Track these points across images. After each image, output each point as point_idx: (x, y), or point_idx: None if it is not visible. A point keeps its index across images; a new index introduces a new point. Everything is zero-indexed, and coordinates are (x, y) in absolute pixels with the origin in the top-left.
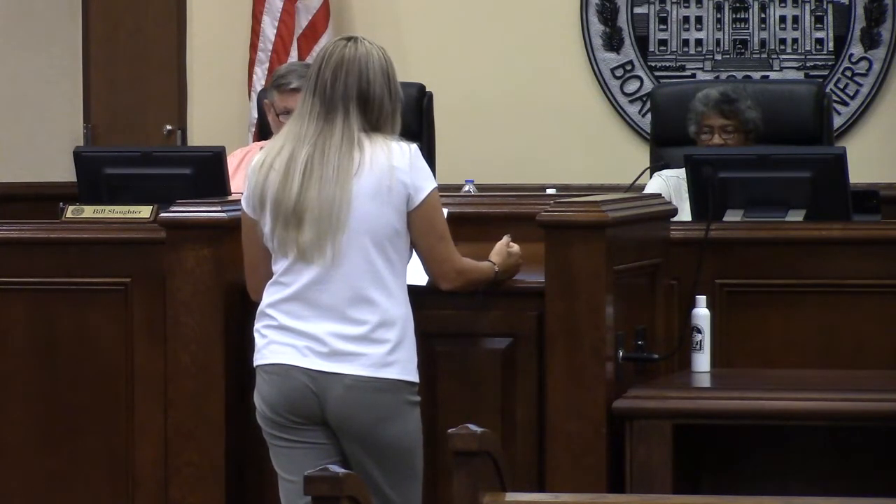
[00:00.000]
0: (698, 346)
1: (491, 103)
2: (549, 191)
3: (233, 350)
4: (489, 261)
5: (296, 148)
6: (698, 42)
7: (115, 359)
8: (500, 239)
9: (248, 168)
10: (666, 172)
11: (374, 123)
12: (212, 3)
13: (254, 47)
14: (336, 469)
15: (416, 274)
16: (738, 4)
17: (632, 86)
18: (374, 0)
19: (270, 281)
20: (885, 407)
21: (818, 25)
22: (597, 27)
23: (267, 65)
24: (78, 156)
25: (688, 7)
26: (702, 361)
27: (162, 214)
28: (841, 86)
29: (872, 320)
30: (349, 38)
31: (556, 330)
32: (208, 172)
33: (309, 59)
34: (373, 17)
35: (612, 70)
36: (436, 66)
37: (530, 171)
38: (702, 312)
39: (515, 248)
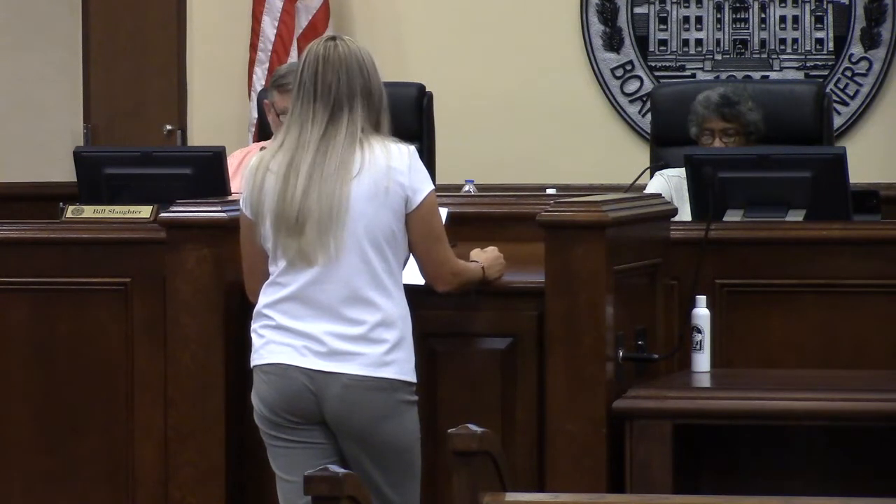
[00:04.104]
0: (698, 346)
1: (491, 103)
2: (549, 191)
3: (233, 350)
4: (474, 261)
5: (296, 155)
6: (698, 42)
7: (115, 359)
8: (498, 241)
9: (245, 169)
10: (667, 172)
11: (375, 118)
12: (212, 3)
13: (254, 47)
14: (336, 469)
15: (416, 274)
16: (738, 4)
17: (632, 86)
18: (373, 0)
19: (268, 282)
20: (885, 407)
21: (818, 25)
22: (597, 27)
23: (267, 65)
24: (78, 156)
25: (688, 7)
26: (702, 361)
27: (162, 214)
28: (841, 86)
29: (872, 320)
30: (332, 38)
31: (556, 330)
32: (208, 172)
33: None
34: (373, 17)
35: (612, 70)
36: (436, 66)
37: (530, 171)
38: (702, 312)
39: (490, 248)
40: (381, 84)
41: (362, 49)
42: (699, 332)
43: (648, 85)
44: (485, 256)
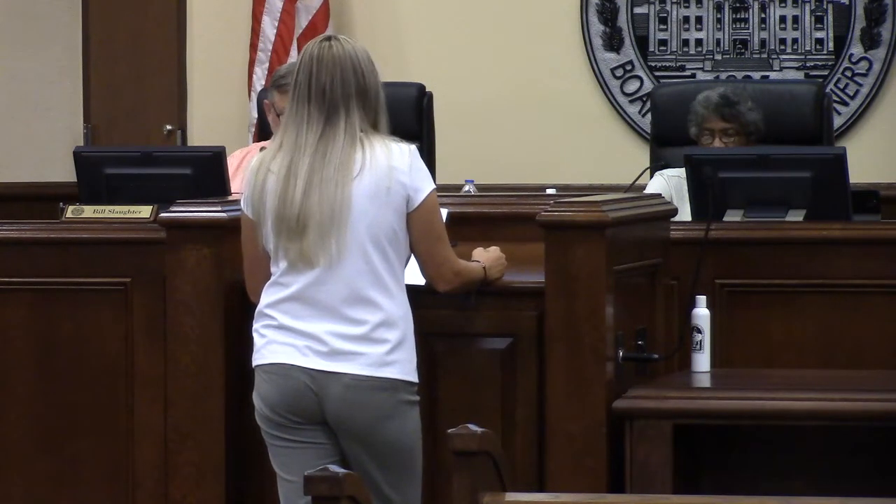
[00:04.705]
0: (698, 346)
1: (491, 103)
2: (549, 191)
3: (233, 350)
4: (476, 261)
5: (295, 157)
6: (698, 42)
7: (115, 359)
8: (498, 241)
9: (246, 169)
10: (668, 172)
11: (372, 118)
12: (212, 3)
13: (254, 47)
14: (336, 469)
15: (416, 274)
16: (738, 4)
17: (632, 86)
18: (373, 0)
19: (269, 282)
20: (885, 407)
21: (818, 25)
22: (597, 27)
23: (267, 65)
24: (78, 156)
25: (688, 7)
26: (702, 361)
27: (162, 214)
28: (841, 86)
29: (872, 320)
30: (328, 38)
31: (556, 330)
32: (208, 172)
33: None
34: (373, 17)
35: (612, 70)
36: (436, 66)
37: (530, 171)
38: (702, 312)
39: (493, 247)
40: (377, 83)
41: (358, 48)
42: (699, 332)
43: (648, 85)
44: (486, 256)
